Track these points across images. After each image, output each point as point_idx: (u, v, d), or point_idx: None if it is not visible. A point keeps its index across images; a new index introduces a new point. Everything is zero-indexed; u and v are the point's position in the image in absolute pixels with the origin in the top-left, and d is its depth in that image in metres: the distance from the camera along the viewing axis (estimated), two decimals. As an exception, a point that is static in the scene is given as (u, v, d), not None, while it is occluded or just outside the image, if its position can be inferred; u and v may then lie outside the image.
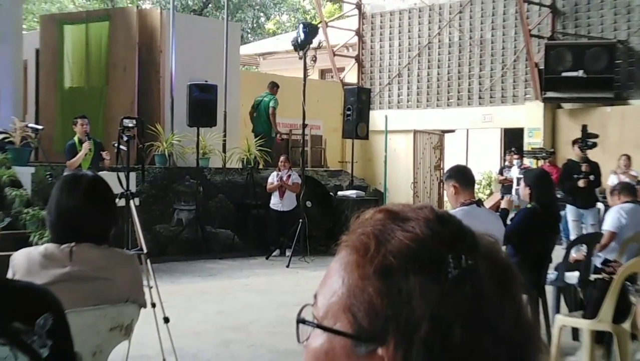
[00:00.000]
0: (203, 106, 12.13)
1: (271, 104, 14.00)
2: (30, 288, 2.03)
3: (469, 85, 17.63)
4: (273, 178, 12.27)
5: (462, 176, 5.20)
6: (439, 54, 18.14)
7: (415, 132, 16.67)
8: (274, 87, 14.23)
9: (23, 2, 14.60)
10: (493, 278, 0.86)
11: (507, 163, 16.01)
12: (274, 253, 11.96)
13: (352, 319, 0.86)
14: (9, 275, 2.76)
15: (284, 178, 12.15)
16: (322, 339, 0.89)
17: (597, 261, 6.70)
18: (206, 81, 12.43)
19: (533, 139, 16.05)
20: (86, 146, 9.94)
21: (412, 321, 0.82)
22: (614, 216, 7.00)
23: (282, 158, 12.48)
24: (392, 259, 0.85)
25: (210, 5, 28.37)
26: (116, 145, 6.76)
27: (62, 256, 2.80)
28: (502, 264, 0.89)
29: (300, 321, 0.91)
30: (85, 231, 2.82)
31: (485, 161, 18.31)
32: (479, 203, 5.18)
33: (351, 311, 0.86)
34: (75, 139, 10.23)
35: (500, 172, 16.01)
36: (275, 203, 12.19)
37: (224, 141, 13.46)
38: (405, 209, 0.93)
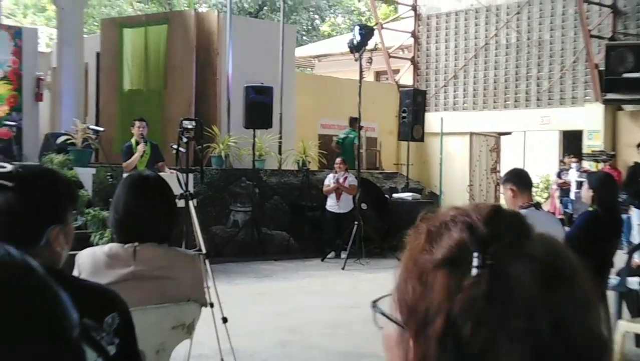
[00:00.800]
0: (259, 107, 12.21)
1: (355, 141, 13.88)
2: (98, 288, 2.08)
3: (527, 87, 17.38)
4: (329, 180, 12.29)
5: (520, 179, 5.14)
6: (495, 56, 17.93)
7: (472, 134, 16.52)
8: (354, 122, 14.03)
9: (84, 7, 14.91)
10: (536, 281, 0.84)
11: (565, 166, 15.75)
12: (329, 256, 11.96)
13: (397, 308, 0.90)
14: (75, 274, 2.82)
15: (341, 180, 12.15)
16: (385, 325, 0.94)
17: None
18: (262, 83, 12.51)
19: (592, 142, 15.74)
20: (141, 148, 10.08)
21: (429, 315, 0.85)
22: None
23: (338, 160, 12.48)
24: (431, 254, 0.88)
25: (265, 7, 28.57)
26: (174, 147, 6.86)
27: (126, 256, 2.85)
28: (554, 269, 0.86)
29: (372, 306, 0.95)
30: (149, 231, 2.86)
31: (543, 163, 18.01)
32: (537, 205, 5.10)
33: (397, 301, 0.91)
34: (132, 140, 10.39)
35: (559, 176, 15.75)
36: (331, 205, 12.21)
37: (280, 142, 13.53)
38: (470, 208, 0.93)
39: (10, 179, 1.88)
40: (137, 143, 10.33)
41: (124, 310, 2.08)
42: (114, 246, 2.88)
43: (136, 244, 2.84)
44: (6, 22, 20.02)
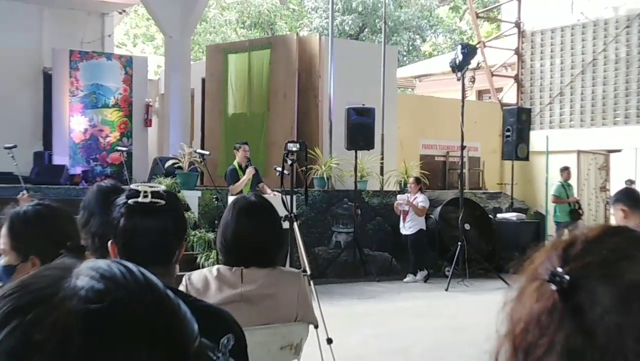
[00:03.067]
0: (361, 129, 12.24)
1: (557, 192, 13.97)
2: (215, 309, 2.13)
3: (638, 102, 16.75)
4: (401, 200, 12.10)
5: (632, 199, 4.95)
6: (604, 71, 17.38)
7: (579, 152, 16.02)
8: (564, 171, 14.05)
9: (191, 35, 15.39)
10: (613, 302, 0.84)
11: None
12: (405, 279, 11.79)
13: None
14: (185, 295, 2.88)
15: (411, 200, 11.94)
16: None
17: None
18: (364, 104, 12.55)
19: None
20: (250, 171, 10.23)
21: (511, 321, 0.90)
22: None
23: (410, 180, 12.29)
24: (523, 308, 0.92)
25: (366, 29, 28.72)
26: (278, 169, 6.94)
27: (234, 278, 2.89)
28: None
29: None
30: (257, 255, 2.91)
31: (656, 182, 17.27)
32: None
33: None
34: (235, 164, 10.50)
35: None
36: (401, 226, 12.07)
37: (382, 163, 13.51)
38: (551, 248, 0.95)
39: (162, 198, 1.97)
40: (241, 166, 10.45)
41: (238, 331, 2.12)
42: (222, 268, 2.94)
43: (242, 268, 2.89)
44: (117, 51, 20.90)
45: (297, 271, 3.17)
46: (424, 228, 11.98)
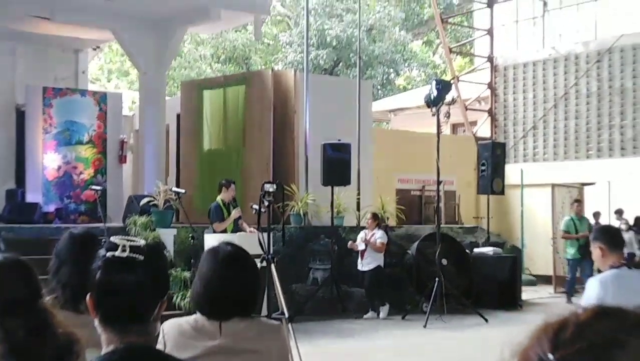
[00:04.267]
0: (337, 164, 12.24)
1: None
2: None
3: (610, 135, 16.97)
4: (360, 237, 11.87)
5: (610, 238, 4.94)
6: (576, 105, 17.60)
7: (554, 185, 16.14)
8: (574, 204, 14.40)
9: (166, 70, 15.35)
10: None
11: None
12: (365, 316, 11.61)
13: None
14: (160, 345, 2.80)
15: (367, 237, 11.71)
16: None
17: None
18: (339, 140, 12.55)
19: (684, 191, 15.17)
20: (236, 213, 10.16)
21: None
22: None
23: (368, 216, 12.08)
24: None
25: (341, 63, 28.89)
26: (254, 207, 6.88)
27: (212, 328, 2.81)
28: None
29: None
30: (236, 307, 2.84)
31: (630, 214, 17.40)
32: (630, 265, 4.88)
33: None
34: (219, 200, 10.39)
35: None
36: (359, 262, 11.83)
37: (358, 198, 13.49)
38: (541, 334, 0.93)
39: (141, 253, 1.90)
40: (225, 204, 10.35)
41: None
42: (200, 318, 2.85)
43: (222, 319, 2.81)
44: (91, 87, 20.80)
45: (278, 324, 3.11)
46: (382, 264, 11.77)
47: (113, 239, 1.93)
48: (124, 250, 1.90)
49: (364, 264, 11.76)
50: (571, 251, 13.70)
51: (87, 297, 1.96)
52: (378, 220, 11.97)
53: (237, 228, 10.24)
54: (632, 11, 16.86)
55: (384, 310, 11.64)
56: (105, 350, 1.91)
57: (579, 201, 14.43)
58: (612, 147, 16.93)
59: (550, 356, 0.85)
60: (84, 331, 2.25)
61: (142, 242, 1.96)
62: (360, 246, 11.73)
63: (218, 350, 2.80)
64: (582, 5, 18.06)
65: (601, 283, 4.62)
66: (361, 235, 11.86)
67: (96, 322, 1.93)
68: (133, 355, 1.89)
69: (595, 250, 4.89)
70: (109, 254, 1.90)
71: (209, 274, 2.83)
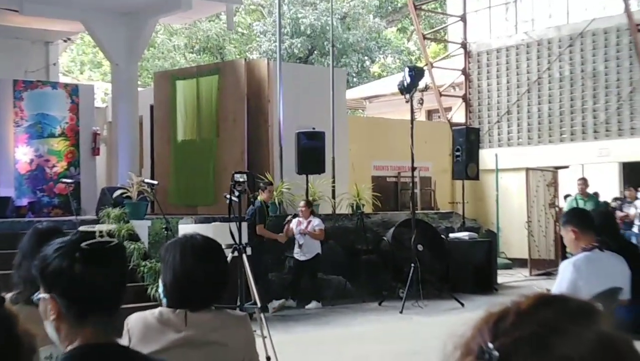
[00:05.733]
0: (311, 153, 12.22)
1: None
2: None
3: (583, 119, 17.09)
4: (294, 225, 11.45)
5: (581, 220, 4.97)
6: (549, 89, 17.70)
7: (528, 169, 16.23)
8: (579, 182, 13.81)
9: (138, 61, 15.24)
10: None
11: (627, 199, 15.34)
12: (308, 306, 11.27)
13: None
14: (124, 339, 2.78)
15: (303, 227, 11.30)
16: None
17: None
18: (314, 128, 12.53)
19: (655, 173, 15.33)
20: (283, 237, 11.27)
21: None
22: None
23: (301, 204, 11.57)
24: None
25: (315, 52, 28.83)
26: (227, 196, 6.85)
27: (178, 321, 2.80)
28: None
29: None
30: (205, 297, 2.83)
31: (602, 196, 17.59)
32: (601, 246, 4.92)
33: None
34: (261, 202, 11.05)
35: (620, 209, 15.33)
36: (296, 251, 11.46)
37: (333, 186, 13.50)
38: (484, 323, 0.94)
39: (113, 247, 1.93)
40: (267, 204, 11.24)
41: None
42: (165, 311, 2.84)
43: (187, 310, 2.80)
44: (63, 79, 20.62)
45: (243, 315, 3.10)
46: (320, 252, 11.43)
47: (84, 232, 1.92)
48: (95, 244, 1.89)
49: (303, 253, 11.32)
50: None
51: (48, 296, 1.93)
52: (312, 207, 11.63)
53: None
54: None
55: (279, 304, 10.95)
56: (69, 346, 1.89)
57: (583, 180, 13.83)
58: (585, 131, 17.06)
59: (490, 345, 0.85)
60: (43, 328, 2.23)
61: (115, 240, 1.97)
62: (301, 241, 11.30)
63: (183, 342, 2.79)
64: (553, -10, 18.14)
65: (575, 266, 4.66)
66: (294, 224, 11.39)
67: (53, 317, 1.91)
68: (98, 350, 1.88)
69: (568, 233, 4.93)
70: (83, 245, 1.88)
71: (170, 263, 2.81)
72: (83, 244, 1.87)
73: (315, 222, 11.41)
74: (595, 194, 14.61)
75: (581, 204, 12.53)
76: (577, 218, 5.04)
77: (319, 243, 11.49)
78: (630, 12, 15.43)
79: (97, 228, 2.04)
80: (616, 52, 16.60)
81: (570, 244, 4.97)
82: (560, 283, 4.72)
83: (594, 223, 5.11)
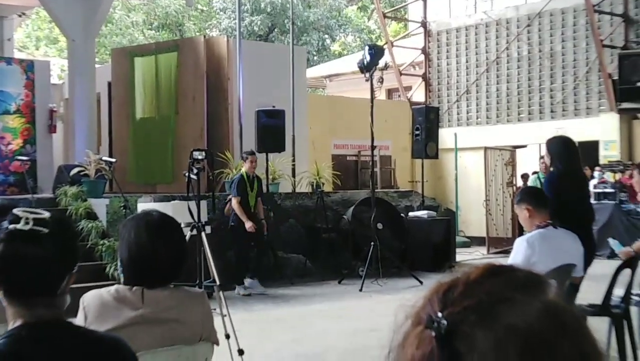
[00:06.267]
0: (271, 131, 12.19)
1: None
2: (109, 339, 2.04)
3: (540, 99, 17.29)
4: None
5: (535, 198, 5.07)
6: (507, 69, 17.86)
7: (486, 149, 16.40)
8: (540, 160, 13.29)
9: (95, 37, 14.98)
10: (489, 347, 0.84)
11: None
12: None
13: None
14: (80, 318, 2.76)
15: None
16: None
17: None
18: (274, 106, 12.49)
19: (609, 152, 15.60)
20: (250, 226, 10.28)
21: None
22: None
23: None
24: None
25: (275, 30, 28.66)
26: (186, 174, 6.81)
27: (134, 298, 2.79)
28: (531, 335, 0.84)
29: None
30: (162, 273, 2.81)
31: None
32: (555, 224, 5.01)
33: None
34: (243, 173, 10.56)
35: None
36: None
37: (293, 165, 13.48)
38: (433, 293, 0.94)
39: (46, 225, 1.85)
40: (249, 177, 10.53)
41: (131, 357, 2.05)
42: (121, 288, 2.82)
43: (143, 288, 2.78)
44: (18, 55, 20.22)
45: (201, 291, 3.09)
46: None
47: (16, 211, 1.88)
48: (27, 223, 1.86)
49: None
50: None
51: None
52: None
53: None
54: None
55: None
56: (11, 325, 1.87)
57: (543, 158, 13.69)
58: (543, 110, 17.27)
59: (439, 314, 0.86)
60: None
61: (46, 214, 1.92)
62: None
63: (141, 319, 2.78)
64: (512, -30, 18.26)
65: (528, 243, 4.75)
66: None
67: (0, 296, 1.89)
68: (41, 328, 1.86)
69: (522, 212, 5.01)
70: (11, 226, 1.85)
71: (126, 240, 2.79)
72: (10, 227, 1.85)
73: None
74: (524, 176, 14.69)
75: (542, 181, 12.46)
76: (531, 196, 5.13)
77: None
78: (587, -7, 15.61)
79: (28, 213, 1.99)
80: (573, 33, 16.79)
81: (525, 222, 5.05)
82: (514, 259, 4.81)
83: (547, 201, 5.20)
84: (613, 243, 6.89)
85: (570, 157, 6.13)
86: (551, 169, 6.10)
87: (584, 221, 5.90)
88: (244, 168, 10.66)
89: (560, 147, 6.12)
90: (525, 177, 15.41)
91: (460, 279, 0.92)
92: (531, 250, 4.72)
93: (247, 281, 10.64)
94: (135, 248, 2.79)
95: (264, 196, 11.12)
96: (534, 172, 14.73)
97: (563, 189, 5.78)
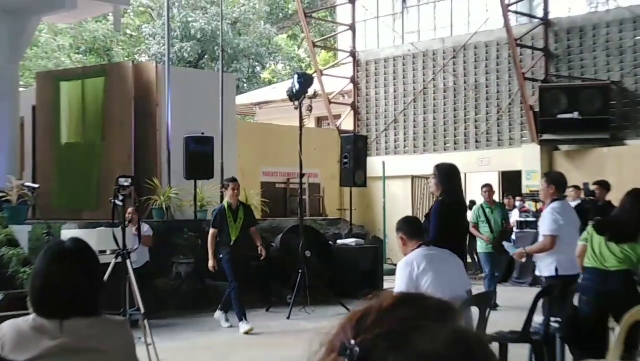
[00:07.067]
0: (200, 158, 12.13)
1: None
2: None
3: (465, 129, 17.69)
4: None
5: (408, 227, 5.32)
6: (434, 99, 18.24)
7: (413, 177, 16.68)
8: (482, 188, 12.01)
9: (20, 59, 14.68)
10: None
11: (506, 207, 15.93)
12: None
13: None
14: (-4, 348, 2.69)
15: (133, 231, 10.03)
16: None
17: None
18: (202, 133, 12.44)
19: (531, 182, 16.03)
20: (211, 266, 9.89)
21: None
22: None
23: (129, 210, 9.83)
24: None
25: (205, 56, 28.61)
26: (111, 200, 6.72)
27: (52, 327, 2.72)
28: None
29: None
30: (73, 303, 2.75)
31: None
32: (427, 243, 5.28)
33: None
34: (225, 204, 9.96)
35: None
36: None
37: (222, 192, 13.37)
38: (346, 322, 0.98)
39: None
40: (231, 207, 9.84)
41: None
42: (38, 318, 2.76)
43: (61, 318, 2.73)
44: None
45: (123, 319, 3.05)
46: (149, 259, 10.85)
47: None
48: None
49: (135, 262, 9.15)
50: (482, 244, 11.48)
51: None
52: (138, 213, 10.38)
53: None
54: (485, 9, 17.64)
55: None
56: None
57: (489, 187, 11.89)
58: (468, 140, 17.66)
59: (352, 341, 0.89)
60: None
61: None
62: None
63: (59, 350, 2.72)
64: (438, 3, 18.72)
65: (407, 263, 5.04)
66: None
67: None
68: None
69: (398, 240, 5.28)
70: None
71: (36, 270, 2.74)
72: None
73: (145, 228, 10.50)
74: (502, 203, 13.75)
75: (488, 212, 11.48)
76: (405, 225, 5.36)
77: (147, 249, 10.71)
78: (509, 27, 16.10)
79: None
80: (496, 65, 17.29)
81: (401, 249, 5.31)
82: (398, 284, 5.01)
83: (422, 227, 5.47)
84: (508, 245, 7.28)
85: (455, 185, 6.46)
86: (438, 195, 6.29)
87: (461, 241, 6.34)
88: (226, 197, 10.07)
89: (447, 174, 6.40)
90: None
91: (372, 307, 0.95)
92: (410, 266, 4.98)
93: (216, 313, 10.33)
94: (37, 276, 2.74)
95: (256, 222, 10.61)
96: (471, 202, 13.47)
97: (449, 218, 6.06)
